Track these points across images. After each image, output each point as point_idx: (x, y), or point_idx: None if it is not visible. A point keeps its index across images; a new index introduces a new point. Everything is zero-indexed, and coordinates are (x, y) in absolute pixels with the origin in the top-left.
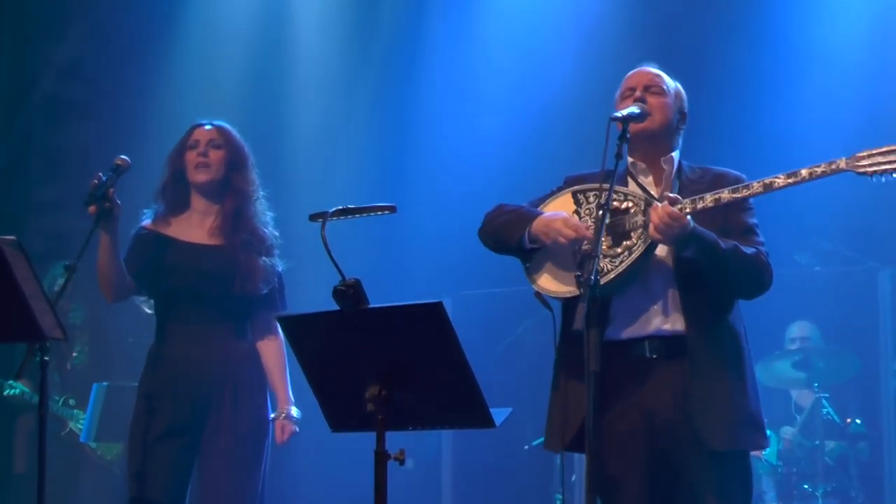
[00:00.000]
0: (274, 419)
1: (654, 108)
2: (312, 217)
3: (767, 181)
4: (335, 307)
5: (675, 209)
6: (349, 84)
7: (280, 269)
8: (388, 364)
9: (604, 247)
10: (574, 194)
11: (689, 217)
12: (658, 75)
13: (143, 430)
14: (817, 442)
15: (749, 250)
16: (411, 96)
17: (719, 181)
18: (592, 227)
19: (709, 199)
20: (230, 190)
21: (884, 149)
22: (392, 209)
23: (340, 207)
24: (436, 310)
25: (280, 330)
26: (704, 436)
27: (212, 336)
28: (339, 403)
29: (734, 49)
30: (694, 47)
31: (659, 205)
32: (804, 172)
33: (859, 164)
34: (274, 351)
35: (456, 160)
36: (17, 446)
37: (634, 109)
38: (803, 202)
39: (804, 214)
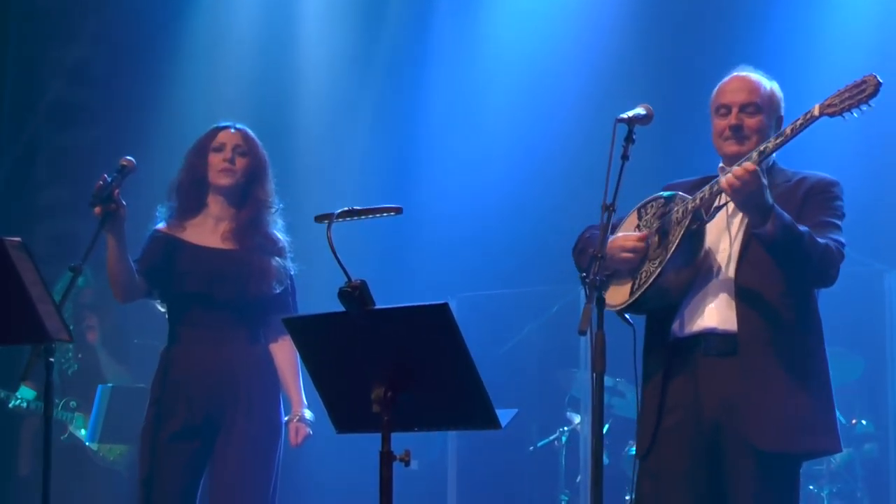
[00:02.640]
0: (287, 422)
1: (750, 131)
2: (318, 218)
3: (761, 147)
4: (341, 308)
5: (747, 163)
6: (355, 86)
7: (292, 272)
8: (393, 365)
9: (651, 249)
10: (638, 210)
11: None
12: (755, 89)
13: (155, 434)
14: None
15: (822, 240)
16: (417, 99)
17: (803, 184)
18: (649, 234)
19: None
20: (249, 198)
21: (849, 85)
22: (398, 210)
23: (346, 209)
24: (442, 311)
25: None
26: (751, 436)
27: (225, 341)
28: (345, 405)
29: (740, 50)
30: (702, 49)
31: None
32: (787, 130)
33: (827, 104)
34: (287, 354)
35: (461, 161)
36: (21, 449)
37: (640, 111)
38: None
39: None
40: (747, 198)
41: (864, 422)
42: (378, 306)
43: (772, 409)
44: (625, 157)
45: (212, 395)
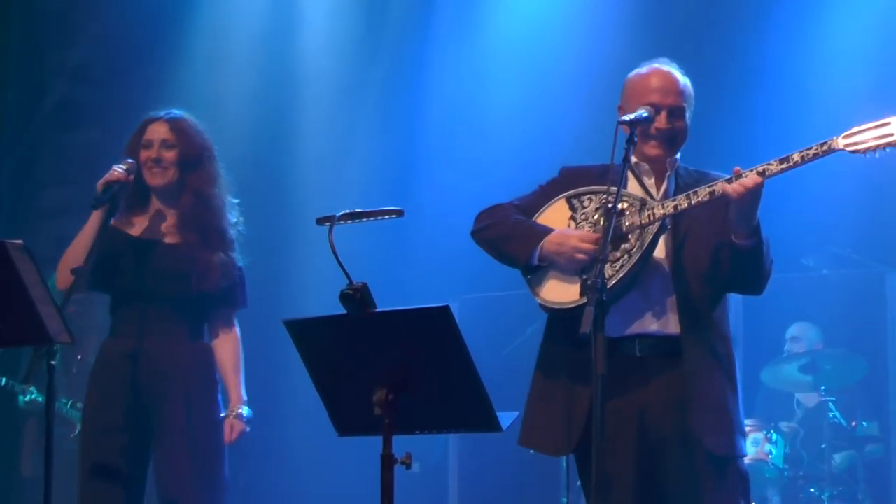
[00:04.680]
0: (224, 418)
1: (679, 133)
2: (320, 221)
3: (760, 168)
4: (342, 311)
5: (753, 176)
6: (356, 88)
7: (241, 264)
8: (395, 368)
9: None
10: (568, 200)
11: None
12: (680, 90)
13: (94, 425)
14: (824, 445)
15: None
16: (420, 99)
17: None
18: (599, 233)
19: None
20: (185, 190)
21: (874, 123)
22: (399, 213)
23: (348, 211)
24: (443, 313)
25: (237, 327)
26: (707, 441)
27: (166, 335)
28: (346, 407)
29: (736, 44)
30: (700, 44)
31: (655, 202)
32: (796, 157)
33: (851, 141)
34: (229, 349)
35: (463, 163)
36: (24, 450)
37: (643, 112)
38: (811, 205)
39: (812, 217)
40: (749, 210)
41: (865, 423)
42: (379, 309)
43: (720, 414)
44: (627, 160)
45: (150, 390)
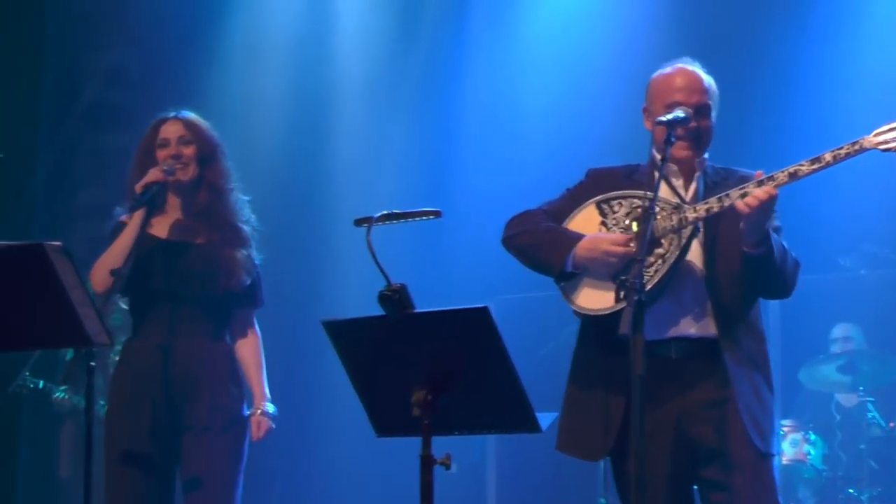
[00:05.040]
0: (249, 416)
1: (705, 132)
2: (358, 222)
3: (792, 169)
4: (381, 312)
5: (769, 188)
6: (393, 88)
7: (257, 262)
8: (434, 369)
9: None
10: (598, 205)
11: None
12: (706, 88)
13: (118, 429)
14: (862, 446)
15: (793, 255)
16: (455, 100)
17: (743, 182)
18: (633, 238)
19: (737, 195)
20: (204, 185)
21: None
22: (437, 214)
23: (386, 212)
24: (482, 314)
25: (257, 326)
26: (745, 441)
27: (193, 336)
28: (385, 408)
29: (770, 44)
30: (733, 44)
31: (687, 206)
32: (828, 157)
33: (882, 139)
34: (251, 347)
35: (500, 163)
36: (62, 451)
37: (680, 114)
38: (847, 206)
39: (849, 218)
40: (758, 222)
41: None
42: (417, 310)
43: (755, 412)
44: (664, 160)
45: (177, 390)
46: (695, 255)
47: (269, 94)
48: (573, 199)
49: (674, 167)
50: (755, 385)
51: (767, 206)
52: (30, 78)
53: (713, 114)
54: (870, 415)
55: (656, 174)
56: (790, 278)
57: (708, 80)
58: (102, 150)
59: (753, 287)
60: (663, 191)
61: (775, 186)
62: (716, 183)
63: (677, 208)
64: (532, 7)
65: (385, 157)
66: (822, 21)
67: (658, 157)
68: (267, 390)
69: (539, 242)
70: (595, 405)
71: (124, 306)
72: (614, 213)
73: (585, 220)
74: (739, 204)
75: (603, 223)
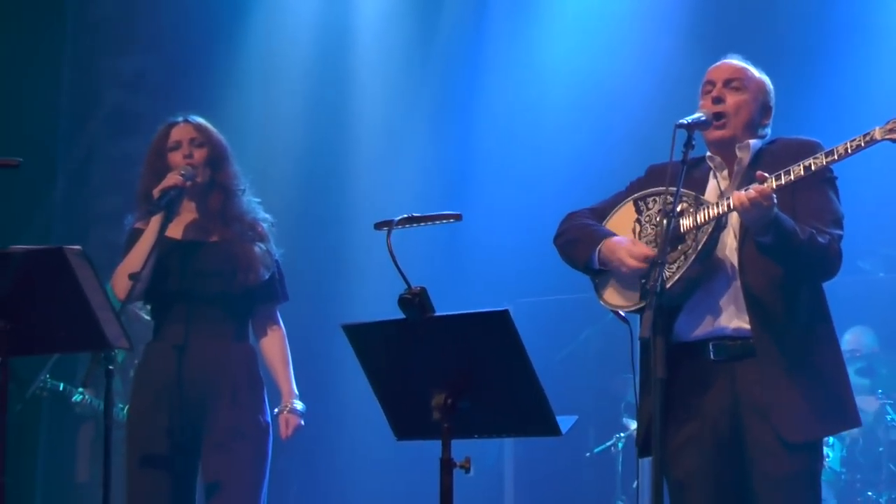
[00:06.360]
0: (277, 413)
1: (731, 107)
2: (378, 225)
3: (807, 163)
4: (401, 315)
5: (764, 187)
6: (412, 92)
7: (277, 256)
8: (453, 372)
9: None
10: (635, 202)
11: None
12: (741, 68)
13: (141, 431)
14: (881, 449)
15: (823, 239)
16: (475, 104)
17: (790, 149)
18: (655, 245)
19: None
20: (215, 187)
21: None
22: (458, 217)
23: (406, 216)
24: (502, 318)
25: (281, 322)
26: (781, 432)
27: (213, 336)
28: (405, 412)
29: (794, 46)
30: (758, 45)
31: (709, 202)
32: (840, 149)
33: (890, 130)
34: (277, 344)
35: (518, 167)
36: (79, 455)
37: (700, 116)
38: (866, 208)
39: (867, 221)
40: (756, 219)
41: None
42: (437, 313)
43: (796, 407)
44: (684, 163)
45: (198, 391)
46: (729, 249)
47: (289, 99)
48: (625, 195)
49: (717, 159)
50: (799, 372)
51: (760, 206)
52: (49, 84)
53: (750, 96)
54: (889, 418)
55: (684, 172)
56: (821, 257)
57: (748, 65)
58: (121, 157)
59: (787, 273)
60: (712, 187)
61: (788, 181)
62: (771, 164)
63: (701, 204)
64: (551, 10)
65: (405, 160)
66: (845, 22)
67: (707, 154)
68: (294, 387)
69: (573, 240)
70: (644, 406)
71: (146, 317)
72: (648, 209)
73: (622, 218)
74: (735, 202)
75: (637, 220)
